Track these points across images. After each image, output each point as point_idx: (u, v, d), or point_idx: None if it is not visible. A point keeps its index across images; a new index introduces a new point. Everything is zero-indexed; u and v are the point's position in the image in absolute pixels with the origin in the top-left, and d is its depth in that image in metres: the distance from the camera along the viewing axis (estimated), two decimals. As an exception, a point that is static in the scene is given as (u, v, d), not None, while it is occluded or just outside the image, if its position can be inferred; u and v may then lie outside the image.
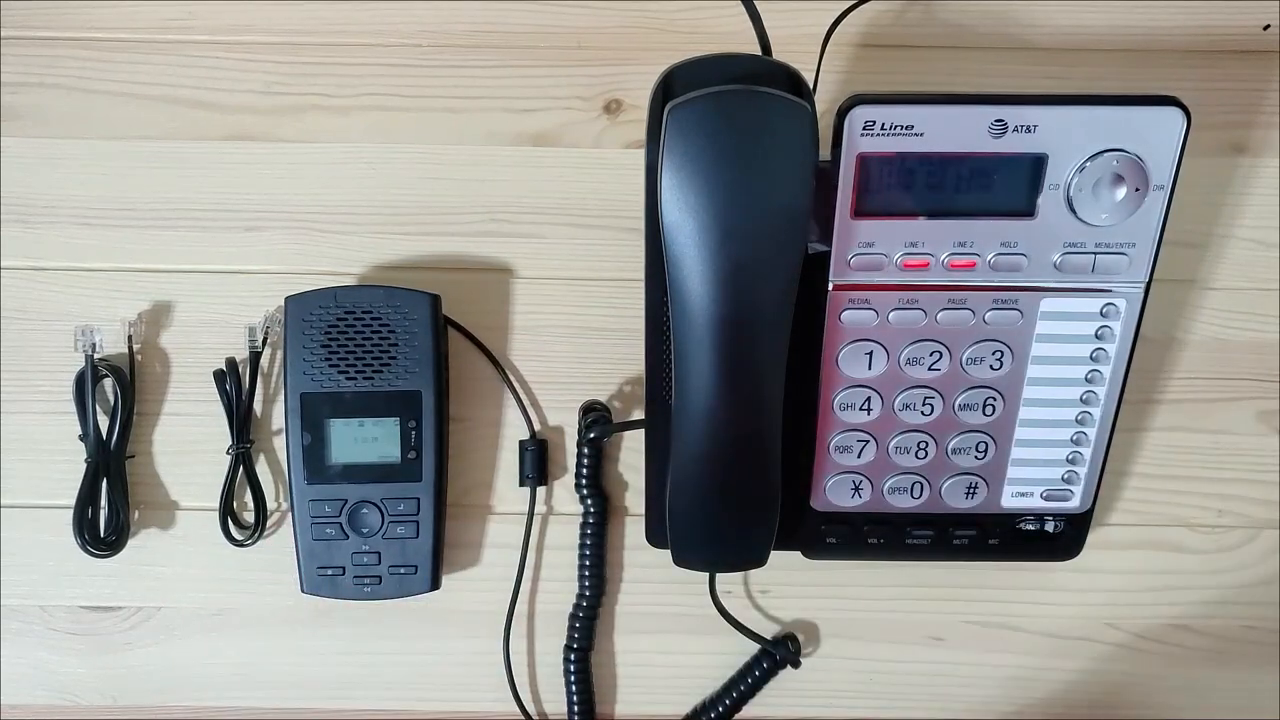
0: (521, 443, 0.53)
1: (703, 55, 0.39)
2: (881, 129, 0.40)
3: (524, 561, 0.53)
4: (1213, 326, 0.53)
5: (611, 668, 0.54)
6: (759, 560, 0.43)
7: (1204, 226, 0.53)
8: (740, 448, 0.39)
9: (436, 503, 0.51)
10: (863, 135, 0.40)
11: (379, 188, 0.54)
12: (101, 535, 0.52)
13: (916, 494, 0.47)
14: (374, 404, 0.50)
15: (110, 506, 0.52)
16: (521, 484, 0.53)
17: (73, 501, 0.51)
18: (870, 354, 0.44)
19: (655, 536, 0.48)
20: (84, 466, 0.51)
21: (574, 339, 0.54)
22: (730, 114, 0.36)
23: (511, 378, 0.54)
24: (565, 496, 0.54)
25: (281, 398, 0.51)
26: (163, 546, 0.54)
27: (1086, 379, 0.44)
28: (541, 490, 0.53)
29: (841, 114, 0.40)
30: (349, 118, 0.54)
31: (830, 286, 0.43)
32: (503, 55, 0.54)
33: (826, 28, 0.52)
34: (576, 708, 0.53)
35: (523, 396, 0.54)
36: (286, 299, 0.50)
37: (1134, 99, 0.40)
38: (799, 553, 0.50)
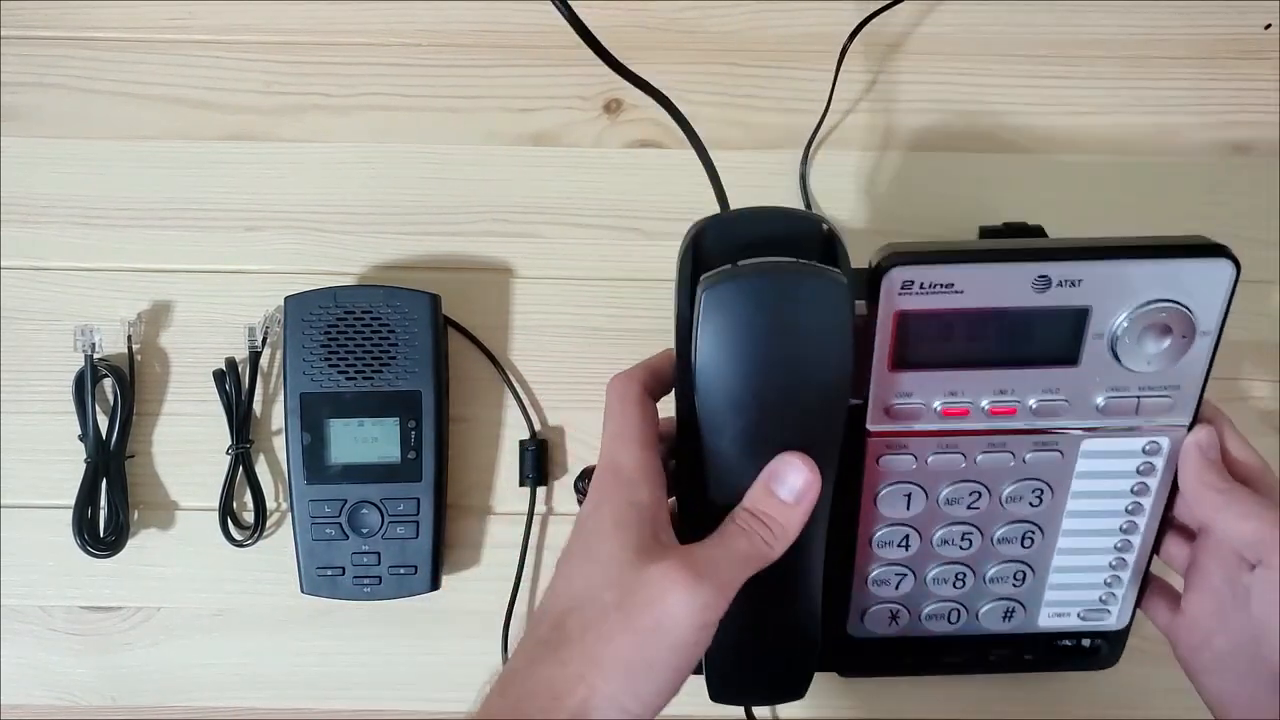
0: (522, 443, 0.53)
1: (732, 213, 0.38)
2: (920, 288, 0.38)
3: (524, 561, 0.53)
4: (1213, 326, 0.53)
5: (611, 668, 0.54)
6: (798, 695, 0.43)
7: (1204, 226, 0.53)
8: (782, 592, 0.38)
9: (436, 503, 0.51)
10: (901, 294, 0.38)
11: (379, 188, 0.54)
12: (101, 535, 0.52)
13: (953, 620, 0.46)
14: (374, 404, 0.50)
15: (110, 506, 0.52)
16: (521, 484, 0.53)
17: (73, 501, 0.51)
18: (909, 495, 0.43)
19: None
20: (84, 466, 0.51)
21: (574, 339, 0.54)
22: (764, 293, 0.35)
23: (511, 378, 0.54)
24: (565, 496, 0.54)
25: (281, 398, 0.51)
26: (163, 546, 0.54)
27: (1127, 510, 0.44)
28: (541, 490, 0.53)
29: (879, 272, 0.38)
30: (349, 118, 0.54)
31: (868, 434, 0.41)
32: (503, 55, 0.54)
33: (844, 29, 0.52)
34: (576, 708, 0.53)
35: (523, 396, 0.54)
36: (286, 299, 0.50)
37: (1181, 249, 0.39)
38: (834, 672, 0.49)
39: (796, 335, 0.35)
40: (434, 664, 0.54)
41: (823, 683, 0.51)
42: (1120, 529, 0.44)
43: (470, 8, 0.54)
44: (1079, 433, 0.42)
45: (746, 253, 0.36)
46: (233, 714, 0.54)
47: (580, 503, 0.50)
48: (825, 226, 0.37)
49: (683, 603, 0.32)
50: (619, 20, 0.54)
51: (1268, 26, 0.54)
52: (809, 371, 0.35)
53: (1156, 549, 0.45)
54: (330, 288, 0.50)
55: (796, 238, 0.36)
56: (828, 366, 0.35)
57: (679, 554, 0.34)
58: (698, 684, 0.41)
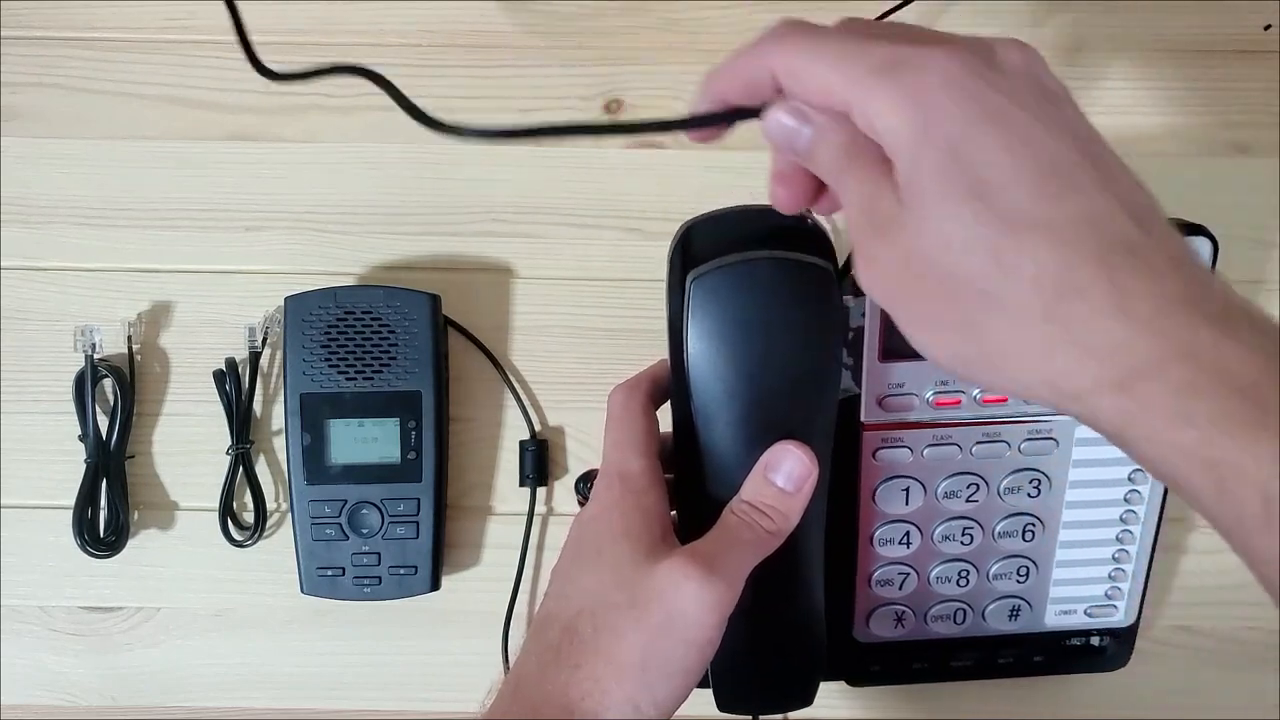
0: (522, 443, 0.53)
1: (719, 211, 0.39)
2: None
3: (524, 561, 0.53)
4: (1213, 326, 0.53)
5: (611, 668, 0.54)
6: (807, 701, 0.43)
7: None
8: (783, 591, 0.38)
9: (436, 503, 0.51)
10: None
11: (379, 188, 0.54)
12: (101, 535, 0.52)
13: (960, 620, 0.46)
14: (374, 404, 0.50)
15: (110, 507, 0.52)
16: (521, 484, 0.53)
17: (73, 502, 0.51)
18: (907, 490, 0.43)
19: None
20: (84, 466, 0.51)
21: (574, 339, 0.54)
22: (752, 284, 0.35)
23: (511, 378, 0.54)
24: (565, 496, 0.54)
25: (281, 398, 0.51)
26: (163, 547, 0.54)
27: (1125, 499, 0.44)
28: (541, 490, 0.53)
29: None
30: (349, 118, 0.54)
31: (863, 427, 0.42)
32: (503, 55, 0.54)
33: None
34: (576, 708, 0.53)
35: (523, 396, 0.54)
36: (286, 299, 0.50)
37: None
38: (843, 682, 0.49)
39: (785, 318, 0.35)
40: (434, 664, 0.54)
41: (830, 689, 0.51)
42: (1120, 519, 0.44)
43: (470, 8, 0.54)
44: (1070, 418, 0.42)
45: (734, 248, 0.36)
46: (233, 714, 0.54)
47: (581, 504, 0.50)
48: (810, 220, 0.37)
49: (695, 596, 0.33)
50: (619, 20, 0.54)
51: (1267, 27, 0.54)
52: (799, 355, 0.35)
53: None
54: (330, 288, 0.50)
55: (783, 232, 0.37)
56: (817, 349, 0.36)
57: (685, 551, 0.34)
58: (706, 695, 0.41)
